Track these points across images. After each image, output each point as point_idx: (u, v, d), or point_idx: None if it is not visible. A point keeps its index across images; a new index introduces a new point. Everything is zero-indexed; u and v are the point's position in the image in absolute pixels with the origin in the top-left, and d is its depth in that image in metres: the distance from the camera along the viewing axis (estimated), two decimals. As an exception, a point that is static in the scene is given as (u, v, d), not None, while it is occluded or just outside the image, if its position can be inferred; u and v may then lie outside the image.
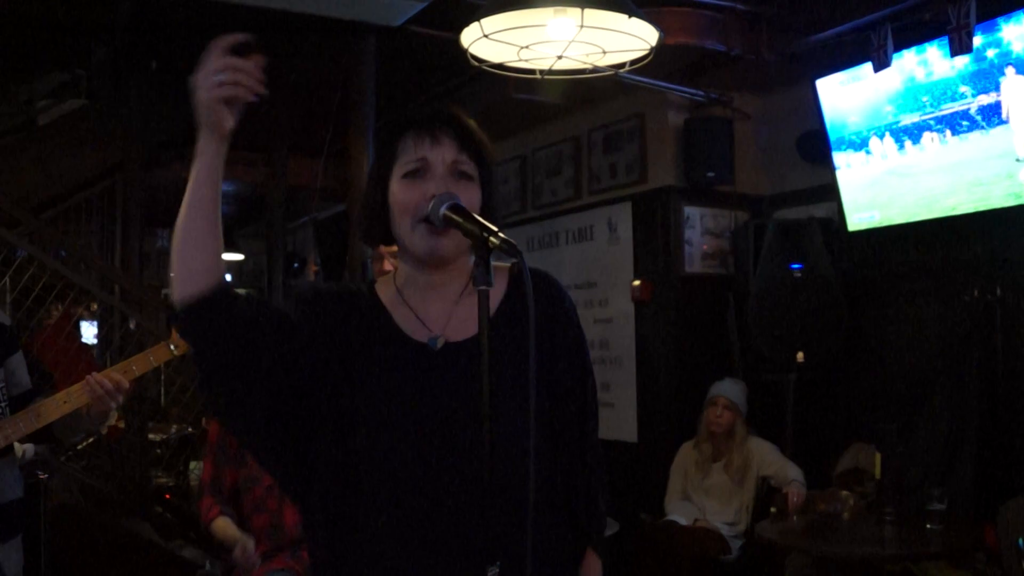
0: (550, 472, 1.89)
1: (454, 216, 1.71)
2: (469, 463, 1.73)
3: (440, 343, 1.84)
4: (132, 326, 6.58)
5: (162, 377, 7.38)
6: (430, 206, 1.74)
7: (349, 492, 1.75)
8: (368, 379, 1.79)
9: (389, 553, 1.73)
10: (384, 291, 1.91)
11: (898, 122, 5.25)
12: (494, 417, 1.64)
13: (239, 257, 12.42)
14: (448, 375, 1.82)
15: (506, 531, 1.72)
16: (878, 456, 4.83)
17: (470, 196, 1.81)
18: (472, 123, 1.88)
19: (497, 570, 1.66)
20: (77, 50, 7.20)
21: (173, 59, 7.13)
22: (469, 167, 1.84)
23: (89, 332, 8.75)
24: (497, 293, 1.91)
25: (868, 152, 5.42)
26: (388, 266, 3.53)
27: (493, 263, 1.87)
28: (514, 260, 1.68)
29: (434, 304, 1.87)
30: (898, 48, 4.91)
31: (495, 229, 1.64)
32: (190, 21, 6.20)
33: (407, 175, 1.81)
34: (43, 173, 7.49)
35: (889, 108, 5.27)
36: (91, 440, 6.34)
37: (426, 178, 1.80)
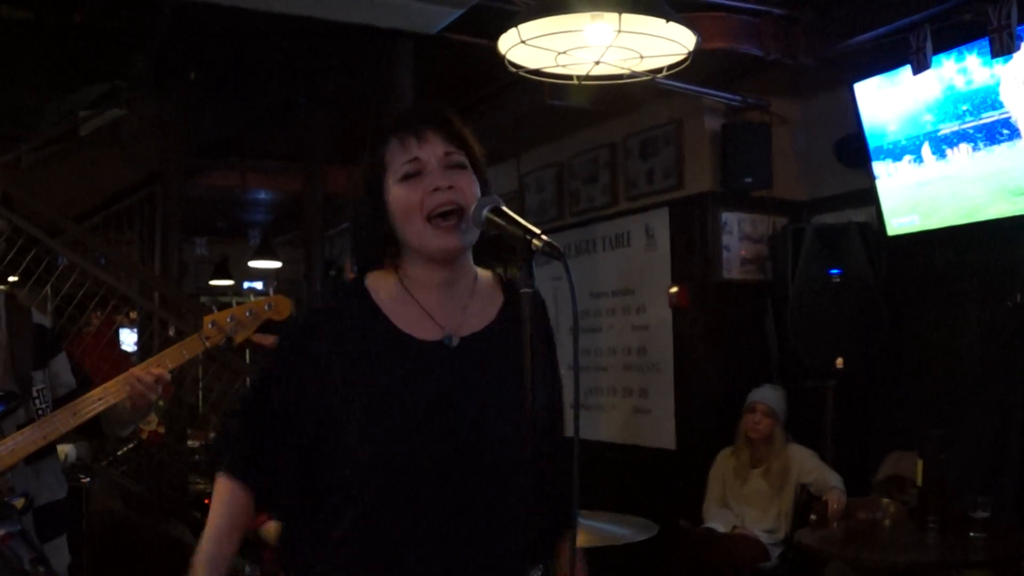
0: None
1: (497, 219, 1.71)
2: (495, 459, 1.75)
3: (455, 341, 1.84)
4: (171, 333, 6.62)
5: (200, 384, 7.41)
6: (473, 207, 1.74)
7: (374, 501, 1.75)
8: (371, 385, 1.79)
9: (434, 556, 1.72)
10: (383, 288, 1.89)
11: (937, 131, 5.20)
12: (509, 412, 1.66)
13: (276, 265, 12.48)
14: (464, 372, 1.82)
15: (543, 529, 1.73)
16: (920, 463, 4.77)
17: (469, 184, 1.83)
18: (452, 114, 1.90)
19: (540, 573, 1.66)
20: (116, 61, 7.28)
21: (212, 69, 7.19)
22: (460, 157, 1.85)
23: (129, 339, 8.82)
24: (496, 301, 1.92)
25: (907, 161, 5.38)
26: None
27: (480, 271, 1.90)
28: (496, 272, 1.69)
29: (445, 302, 1.87)
30: (938, 51, 4.87)
31: (538, 231, 1.64)
32: (228, 31, 6.25)
33: (404, 178, 1.82)
34: (84, 183, 7.57)
35: (928, 117, 5.23)
36: (131, 445, 6.39)
37: (423, 175, 1.81)
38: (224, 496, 1.87)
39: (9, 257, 5.83)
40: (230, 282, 12.94)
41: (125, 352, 7.60)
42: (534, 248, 1.63)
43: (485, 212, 1.73)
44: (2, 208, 5.74)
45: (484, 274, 1.95)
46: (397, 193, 1.82)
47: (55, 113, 8.07)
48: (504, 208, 1.73)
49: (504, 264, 1.95)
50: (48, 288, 6.41)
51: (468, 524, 1.74)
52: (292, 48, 6.47)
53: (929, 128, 5.24)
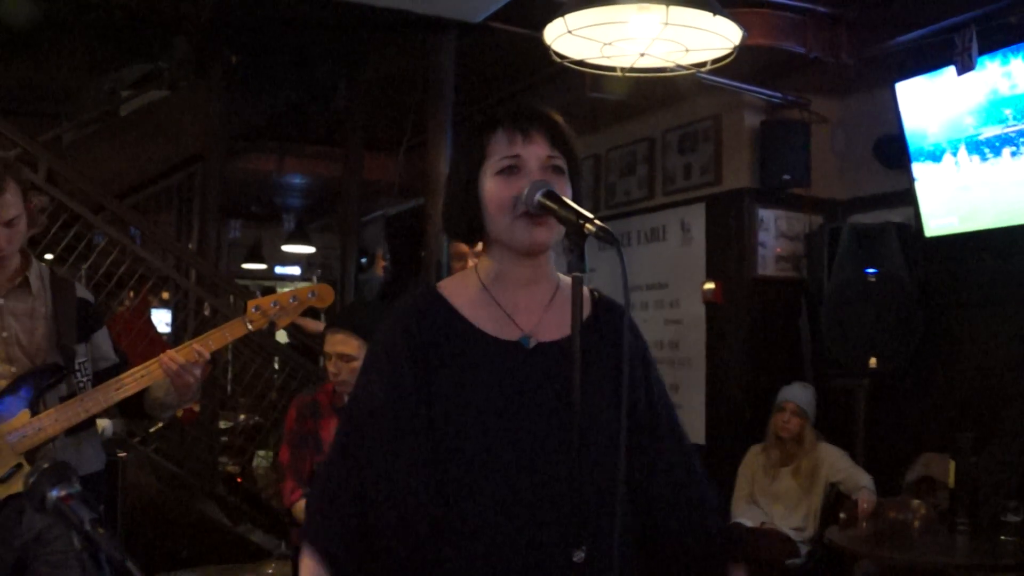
0: (631, 470, 1.89)
1: (549, 203, 1.72)
2: (558, 455, 1.75)
3: (532, 342, 1.84)
4: (207, 312, 6.67)
5: (230, 368, 7.47)
6: (524, 192, 1.76)
7: (454, 499, 1.76)
8: (455, 384, 1.80)
9: (476, 543, 1.75)
10: (457, 291, 1.90)
11: (979, 135, 5.17)
12: (585, 412, 1.66)
13: (310, 250, 12.55)
14: (539, 373, 1.82)
15: (591, 520, 1.74)
16: (952, 465, 4.76)
17: (563, 189, 1.82)
18: (560, 118, 1.89)
19: (583, 554, 1.68)
20: (160, 43, 7.35)
21: (253, 53, 7.25)
22: (561, 162, 1.85)
23: (161, 320, 8.87)
24: (584, 311, 1.91)
25: (947, 164, 5.35)
26: (472, 265, 3.56)
27: (563, 278, 1.91)
28: (593, 289, 1.68)
29: (524, 303, 1.88)
30: (982, 52, 4.84)
31: (591, 216, 1.65)
32: (270, 15, 6.30)
33: (501, 172, 1.82)
34: (123, 162, 7.63)
35: (970, 120, 5.20)
36: (162, 424, 6.45)
37: (520, 175, 1.81)
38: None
39: (53, 231, 5.88)
40: (263, 266, 13.01)
41: (160, 335, 7.65)
42: (587, 233, 1.64)
43: (538, 196, 1.74)
44: (46, 184, 5.79)
45: (567, 282, 1.94)
46: (492, 186, 1.82)
47: (97, 93, 8.15)
48: (556, 192, 1.75)
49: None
50: (83, 270, 6.46)
51: (535, 528, 1.75)
52: (334, 34, 6.51)
53: (971, 131, 5.21)
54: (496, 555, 1.74)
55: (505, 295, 1.88)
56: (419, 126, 6.28)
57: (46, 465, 1.55)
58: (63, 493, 1.51)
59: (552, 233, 1.81)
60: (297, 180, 10.58)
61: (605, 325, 1.91)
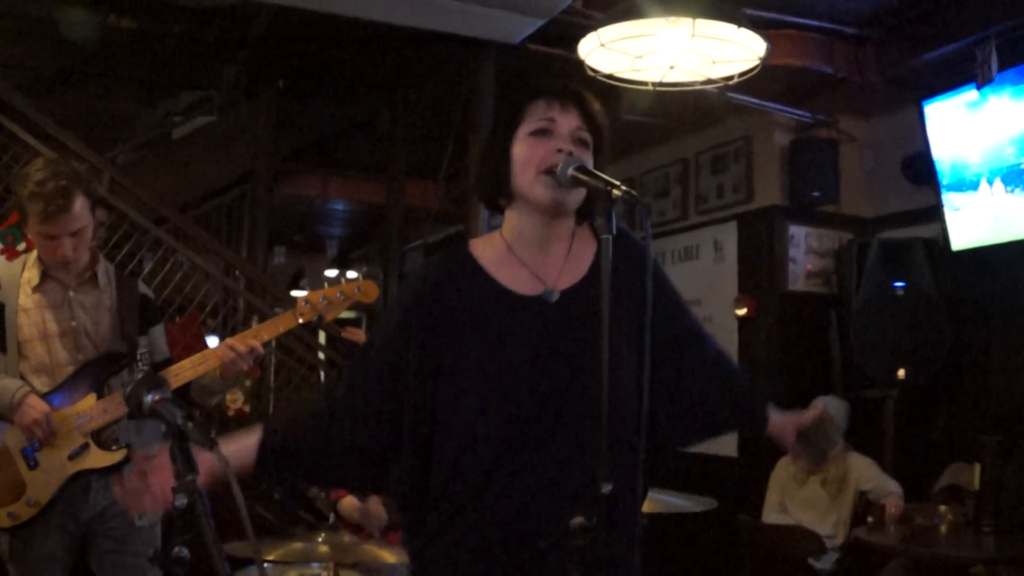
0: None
1: (580, 175, 1.91)
2: (586, 398, 1.90)
3: (555, 296, 2.01)
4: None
5: (272, 380, 7.59)
6: (560, 166, 1.95)
7: (457, 441, 1.94)
8: (477, 339, 1.97)
9: (508, 481, 1.91)
10: (485, 250, 2.07)
11: (1019, 164, 5.27)
12: (611, 356, 1.82)
13: (353, 275, 12.76)
14: (564, 322, 1.99)
15: (616, 454, 1.90)
16: (977, 468, 4.85)
17: (586, 160, 2.01)
18: (595, 101, 2.09)
19: (611, 486, 1.84)
20: (210, 70, 7.58)
21: (300, 78, 7.46)
22: (587, 137, 2.04)
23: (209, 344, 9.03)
24: (589, 253, 2.09)
25: (984, 192, 5.46)
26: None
27: (579, 229, 2.09)
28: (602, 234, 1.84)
29: (545, 259, 2.05)
30: (1006, 66, 4.95)
31: (618, 183, 1.84)
32: (318, 37, 6.49)
33: (534, 133, 2.01)
34: (174, 185, 7.83)
35: (1011, 151, 5.29)
36: (213, 434, 6.61)
37: (551, 137, 2.00)
38: (247, 436, 2.08)
39: (113, 241, 6.10)
40: (304, 293, 13.19)
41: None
42: (614, 197, 1.82)
43: (570, 171, 1.92)
44: (108, 195, 6.00)
45: (582, 230, 2.12)
46: (523, 146, 2.01)
47: (150, 119, 8.40)
48: (586, 166, 1.94)
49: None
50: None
51: (573, 475, 1.91)
52: (377, 59, 6.68)
53: (1012, 160, 5.29)
54: (528, 488, 1.91)
55: (528, 252, 2.04)
56: (458, 152, 6.42)
57: (141, 376, 1.75)
58: (157, 397, 1.71)
59: (574, 196, 1.99)
60: (340, 206, 10.73)
61: (624, 261, 2.02)
